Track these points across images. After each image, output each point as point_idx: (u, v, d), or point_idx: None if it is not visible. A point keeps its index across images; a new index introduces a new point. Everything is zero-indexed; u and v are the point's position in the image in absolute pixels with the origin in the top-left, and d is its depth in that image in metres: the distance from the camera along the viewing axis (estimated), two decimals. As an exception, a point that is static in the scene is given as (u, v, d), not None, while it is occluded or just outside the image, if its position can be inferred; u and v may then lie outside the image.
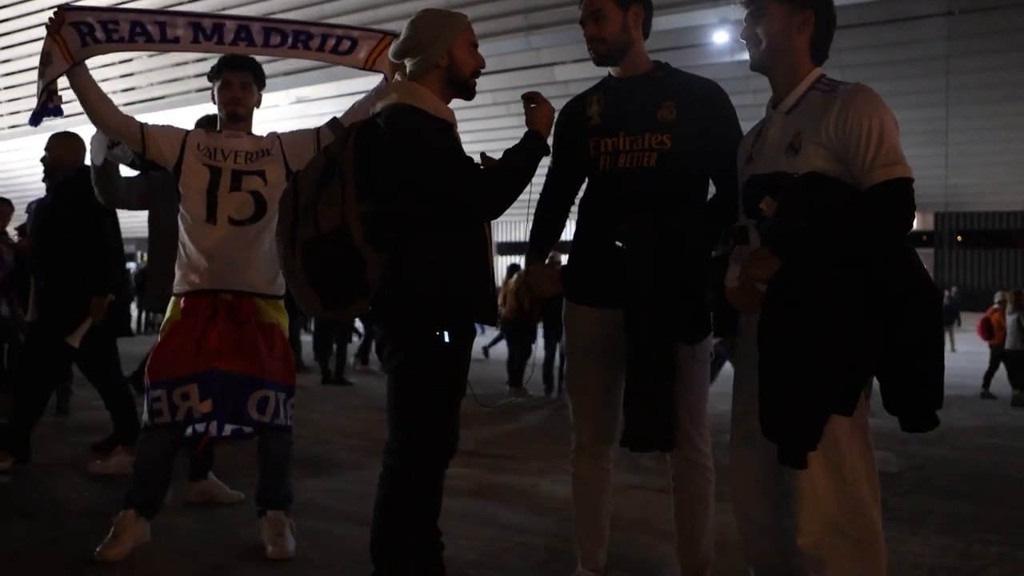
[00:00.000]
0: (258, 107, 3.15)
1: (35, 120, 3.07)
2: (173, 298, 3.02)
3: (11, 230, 6.21)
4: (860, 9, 14.13)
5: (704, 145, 2.34)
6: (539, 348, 8.44)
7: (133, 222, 5.16)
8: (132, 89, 24.73)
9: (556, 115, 2.41)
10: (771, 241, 1.87)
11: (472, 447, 4.82)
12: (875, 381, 1.93)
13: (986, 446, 6.17)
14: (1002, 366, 9.76)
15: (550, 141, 2.40)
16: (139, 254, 22.19)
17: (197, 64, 20.84)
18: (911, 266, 1.85)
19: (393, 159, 2.19)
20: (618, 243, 2.27)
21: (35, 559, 2.85)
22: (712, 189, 2.49)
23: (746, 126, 2.28)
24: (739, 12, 2.09)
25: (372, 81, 3.19)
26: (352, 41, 3.14)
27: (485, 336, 10.78)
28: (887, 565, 1.92)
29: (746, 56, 2.11)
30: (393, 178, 2.20)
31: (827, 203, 1.83)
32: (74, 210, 4.04)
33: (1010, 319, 9.79)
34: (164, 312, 3.09)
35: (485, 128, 16.29)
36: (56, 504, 3.58)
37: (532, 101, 2.36)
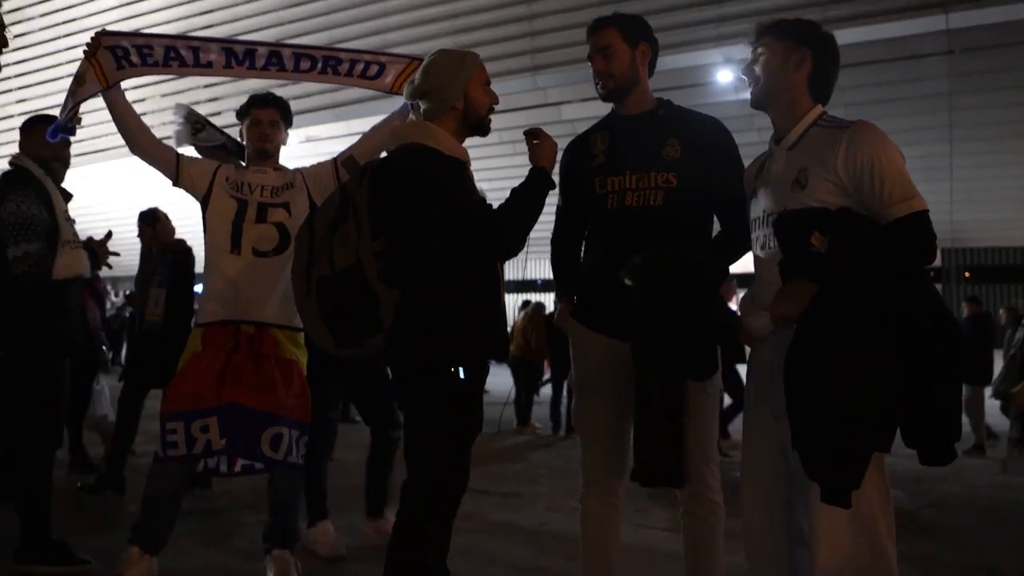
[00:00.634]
0: (285, 144, 3.17)
1: (53, 134, 3.13)
2: (194, 329, 3.02)
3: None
4: (862, 48, 14.27)
5: (709, 182, 2.36)
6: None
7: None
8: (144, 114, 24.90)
9: (559, 152, 2.43)
10: (819, 273, 1.87)
11: (480, 484, 4.77)
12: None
13: (999, 483, 6.08)
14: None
15: (555, 175, 2.41)
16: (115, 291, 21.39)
17: (208, 103, 21.06)
18: (931, 299, 1.87)
19: (406, 197, 2.22)
20: (627, 281, 2.28)
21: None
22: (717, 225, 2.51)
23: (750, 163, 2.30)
24: (743, 51, 2.14)
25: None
26: (380, 66, 3.19)
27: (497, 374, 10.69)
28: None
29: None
30: (406, 215, 2.22)
31: (865, 236, 1.86)
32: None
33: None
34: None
35: (492, 167, 16.34)
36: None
37: (534, 137, 2.38)
